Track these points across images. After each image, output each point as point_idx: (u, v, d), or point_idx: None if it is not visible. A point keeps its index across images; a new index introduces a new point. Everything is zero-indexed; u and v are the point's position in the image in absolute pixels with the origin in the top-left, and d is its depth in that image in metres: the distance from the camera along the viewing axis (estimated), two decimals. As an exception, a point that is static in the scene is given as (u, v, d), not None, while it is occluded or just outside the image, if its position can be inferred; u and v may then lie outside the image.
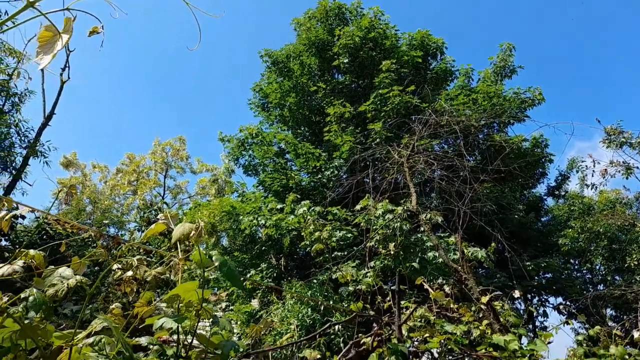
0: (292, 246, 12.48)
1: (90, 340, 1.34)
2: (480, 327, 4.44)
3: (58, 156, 28.84)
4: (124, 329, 1.92)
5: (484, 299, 4.75)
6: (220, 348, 1.78)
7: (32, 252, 1.84)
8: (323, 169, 13.50)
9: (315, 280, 10.00)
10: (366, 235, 7.66)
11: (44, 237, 10.56)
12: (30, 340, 1.29)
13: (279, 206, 12.30)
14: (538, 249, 15.32)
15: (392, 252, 7.41)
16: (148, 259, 2.27)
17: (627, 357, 4.22)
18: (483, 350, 4.14)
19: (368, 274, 7.65)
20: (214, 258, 1.68)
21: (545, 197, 19.37)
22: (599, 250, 14.92)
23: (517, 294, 5.91)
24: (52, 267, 1.78)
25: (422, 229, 7.94)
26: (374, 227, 7.95)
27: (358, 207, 8.53)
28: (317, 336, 7.71)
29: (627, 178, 8.00)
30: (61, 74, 15.78)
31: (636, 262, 10.61)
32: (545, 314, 15.59)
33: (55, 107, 15.61)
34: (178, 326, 1.84)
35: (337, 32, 15.15)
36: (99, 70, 53.78)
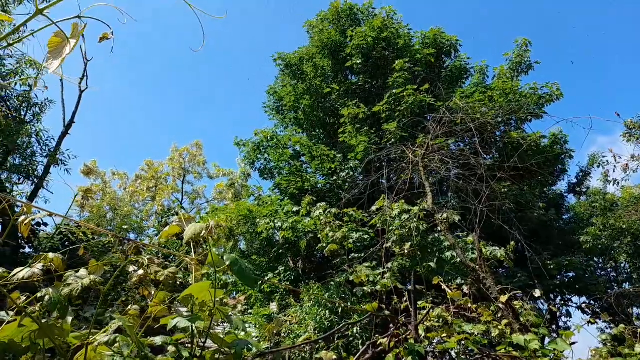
0: (309, 249, 12.50)
1: (106, 339, 1.37)
2: (500, 327, 4.38)
3: (79, 164, 29.46)
4: (141, 329, 1.96)
5: (503, 299, 4.68)
6: (233, 347, 1.80)
7: (51, 255, 1.89)
8: (338, 171, 13.51)
9: (332, 283, 9.99)
10: (382, 237, 7.62)
11: (66, 243, 10.80)
12: (48, 339, 1.33)
13: (295, 209, 12.34)
14: (559, 247, 15.01)
15: (406, 252, 7.34)
16: (167, 262, 2.31)
17: (653, 356, 4.11)
18: (503, 350, 4.08)
19: (385, 275, 7.61)
20: (224, 257, 1.70)
21: (566, 194, 18.98)
22: (623, 247, 14.54)
23: (537, 293, 5.80)
24: (72, 270, 1.82)
25: (439, 228, 7.87)
26: (390, 228, 7.91)
27: (374, 208, 8.50)
28: (334, 337, 7.70)
29: (649, 172, 7.77)
30: (79, 83, 16.15)
31: (662, 259, 10.32)
32: (569, 314, 15.26)
33: (75, 115, 15.98)
34: (192, 325, 1.87)
35: (349, 33, 15.16)
36: (116, 78, 54.90)
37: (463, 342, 4.01)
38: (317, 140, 16.44)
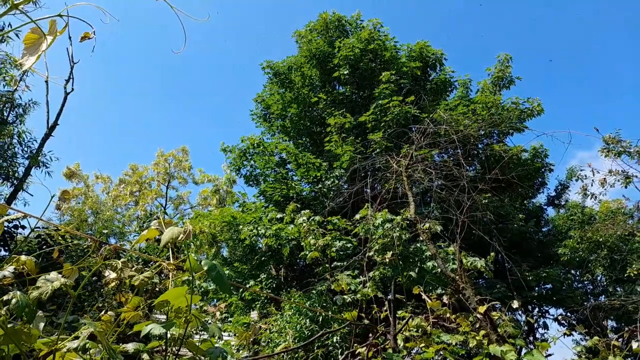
0: (291, 257, 12.46)
1: (75, 345, 1.35)
2: (477, 337, 4.42)
3: (61, 167, 28.99)
4: (114, 335, 1.93)
5: (481, 309, 4.73)
6: (208, 354, 1.78)
7: (23, 257, 1.85)
8: (323, 179, 13.54)
9: (314, 291, 9.96)
10: (365, 245, 7.65)
11: (44, 247, 10.57)
12: (14, 345, 1.30)
13: (278, 216, 12.30)
14: (538, 259, 15.24)
15: (387, 261, 7.38)
16: (146, 268, 2.29)
17: (626, 368, 4.19)
18: (480, 361, 4.11)
19: (366, 285, 7.63)
20: (202, 262, 1.69)
21: (545, 207, 19.34)
22: (600, 260, 14.84)
23: (515, 304, 5.86)
24: (45, 274, 1.79)
25: (420, 238, 7.93)
26: (373, 237, 7.94)
27: (357, 216, 8.53)
28: (314, 346, 7.65)
29: (625, 187, 7.98)
30: (65, 85, 15.94)
31: (636, 272, 10.55)
32: (545, 326, 15.46)
33: (59, 118, 15.73)
34: (167, 332, 1.85)
35: (337, 44, 15.31)
36: (102, 80, 54.26)
37: (441, 352, 4.04)
38: (303, 148, 16.47)
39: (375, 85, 14.36)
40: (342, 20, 16.77)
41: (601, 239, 14.27)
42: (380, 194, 7.71)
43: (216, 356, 1.86)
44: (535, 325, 15.29)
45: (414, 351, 4.63)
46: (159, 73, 64.37)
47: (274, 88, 17.39)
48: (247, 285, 12.47)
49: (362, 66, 15.05)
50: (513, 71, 15.34)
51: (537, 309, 15.75)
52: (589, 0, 54.53)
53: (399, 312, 4.74)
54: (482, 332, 4.48)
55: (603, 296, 15.42)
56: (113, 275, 1.76)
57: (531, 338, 15.02)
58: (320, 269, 9.43)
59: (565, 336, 5.08)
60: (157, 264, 2.09)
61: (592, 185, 9.57)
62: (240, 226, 13.02)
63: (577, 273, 16.63)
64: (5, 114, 14.42)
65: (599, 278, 16.11)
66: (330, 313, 8.15)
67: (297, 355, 6.42)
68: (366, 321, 4.52)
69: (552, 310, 15.64)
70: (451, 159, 9.93)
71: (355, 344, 4.00)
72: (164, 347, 1.97)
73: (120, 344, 1.72)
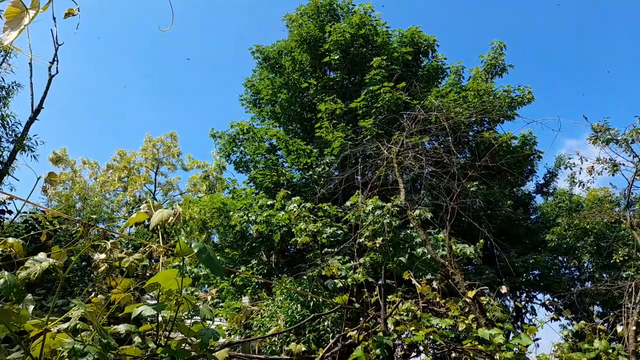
0: (282, 243, 12.47)
1: (65, 325, 1.33)
2: (466, 321, 4.49)
3: (47, 152, 28.54)
4: (106, 317, 1.91)
5: (470, 294, 4.79)
6: (200, 336, 1.78)
7: (10, 240, 1.81)
8: (314, 166, 13.51)
9: (305, 277, 10.01)
10: (356, 232, 7.67)
11: (31, 231, 10.44)
12: (3, 325, 1.28)
13: (269, 202, 12.28)
14: (527, 246, 15.46)
15: (378, 247, 7.42)
16: (136, 253, 2.26)
17: (610, 350, 4.30)
18: (469, 344, 4.17)
19: (357, 270, 7.67)
20: (192, 245, 1.67)
21: (534, 194, 19.57)
22: (587, 247, 15.10)
23: (504, 289, 5.96)
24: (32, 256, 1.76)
25: (411, 224, 7.98)
26: (364, 223, 7.97)
27: (348, 203, 8.55)
28: (305, 330, 7.71)
29: (613, 175, 8.07)
30: (49, 68, 15.57)
31: (621, 259, 10.76)
32: (533, 311, 15.76)
33: (44, 101, 15.40)
34: (158, 314, 1.83)
35: (327, 29, 15.14)
36: (89, 64, 53.26)
37: (430, 336, 4.09)
38: (293, 134, 16.37)
39: (367, 71, 14.27)
40: (334, 4, 16.57)
41: (588, 226, 14.50)
42: (370, 180, 7.72)
43: (208, 337, 1.85)
44: (523, 310, 15.59)
45: (404, 334, 4.68)
46: (149, 57, 63.32)
47: (263, 73, 17.18)
48: (239, 271, 12.49)
49: (352, 51, 14.92)
50: (506, 59, 15.37)
51: (525, 294, 16.04)
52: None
53: (390, 296, 4.78)
54: (471, 317, 4.55)
55: (589, 282, 15.73)
56: (102, 256, 1.73)
57: (519, 323, 15.31)
58: (311, 255, 9.46)
59: (553, 321, 5.18)
60: (147, 246, 2.06)
61: (580, 173, 9.67)
62: (231, 213, 12.97)
63: (565, 259, 16.92)
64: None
65: (585, 264, 16.42)
66: (321, 298, 8.20)
67: (288, 339, 6.48)
68: (357, 305, 4.55)
69: (540, 296, 15.95)
70: (442, 146, 9.97)
71: (347, 328, 4.03)
72: (155, 331, 1.96)
73: (112, 326, 1.70)
